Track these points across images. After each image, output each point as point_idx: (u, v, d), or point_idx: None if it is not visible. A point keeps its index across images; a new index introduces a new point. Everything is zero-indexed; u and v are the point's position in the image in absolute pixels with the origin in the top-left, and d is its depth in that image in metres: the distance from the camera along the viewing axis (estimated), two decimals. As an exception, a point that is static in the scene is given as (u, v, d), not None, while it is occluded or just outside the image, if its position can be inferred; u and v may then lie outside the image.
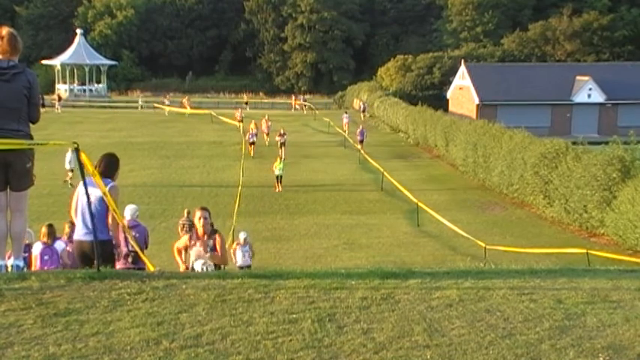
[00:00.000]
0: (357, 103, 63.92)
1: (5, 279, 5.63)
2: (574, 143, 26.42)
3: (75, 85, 73.73)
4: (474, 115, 49.67)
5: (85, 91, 73.69)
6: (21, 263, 6.19)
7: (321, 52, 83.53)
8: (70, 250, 9.32)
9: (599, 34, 72.01)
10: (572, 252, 17.89)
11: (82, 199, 6.73)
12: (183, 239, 8.51)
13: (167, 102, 64.30)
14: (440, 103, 54.74)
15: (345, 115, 49.62)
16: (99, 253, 6.16)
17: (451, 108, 56.17)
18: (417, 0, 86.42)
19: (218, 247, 8.27)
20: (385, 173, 30.02)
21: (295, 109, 67.32)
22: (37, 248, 10.06)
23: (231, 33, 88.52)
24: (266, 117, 44.10)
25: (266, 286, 5.69)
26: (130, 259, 8.53)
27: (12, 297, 5.26)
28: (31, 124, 5.98)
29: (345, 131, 45.49)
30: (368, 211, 26.01)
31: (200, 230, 8.28)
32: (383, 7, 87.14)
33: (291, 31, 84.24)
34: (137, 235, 8.94)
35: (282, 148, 36.13)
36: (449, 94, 58.44)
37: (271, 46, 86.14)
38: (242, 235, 15.70)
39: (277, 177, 29.06)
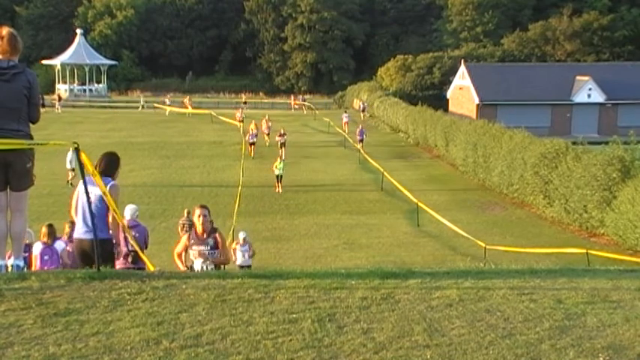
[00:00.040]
0: (357, 103, 63.94)
1: (5, 279, 5.63)
2: (574, 143, 26.43)
3: (75, 85, 73.73)
4: (474, 115, 49.67)
5: (85, 91, 73.68)
6: (21, 263, 6.19)
7: (321, 52, 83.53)
8: (70, 250, 9.32)
9: (599, 34, 72.01)
10: (572, 252, 17.90)
11: (82, 197, 6.73)
12: (182, 241, 8.41)
13: (168, 102, 64.33)
14: (440, 103, 54.74)
15: (344, 114, 49.65)
16: (99, 252, 6.16)
17: (451, 108, 56.17)
18: (417, 0, 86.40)
19: (219, 245, 8.23)
20: (385, 173, 30.03)
21: (294, 109, 67.28)
22: (37, 248, 10.07)
23: (231, 33, 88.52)
24: (266, 117, 44.08)
25: (266, 286, 5.69)
26: (129, 259, 8.53)
27: (12, 297, 5.26)
28: (31, 124, 5.98)
29: (344, 131, 45.51)
30: (368, 211, 26.01)
31: (199, 228, 8.19)
32: (383, 7, 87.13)
33: (291, 31, 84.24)
34: (137, 235, 8.94)
35: (283, 148, 36.12)
36: (449, 94, 58.44)
37: (271, 46, 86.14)
38: (241, 235, 15.73)
39: (277, 177, 29.06)
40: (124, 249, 8.16)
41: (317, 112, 60.39)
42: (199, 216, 8.15)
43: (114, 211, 6.82)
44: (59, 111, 57.86)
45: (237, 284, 5.74)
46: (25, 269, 6.53)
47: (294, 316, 5.04)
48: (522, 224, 24.73)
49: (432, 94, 62.10)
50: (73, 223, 7.82)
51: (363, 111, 58.85)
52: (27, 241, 8.93)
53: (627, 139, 24.30)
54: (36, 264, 9.89)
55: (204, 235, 8.17)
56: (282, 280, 5.91)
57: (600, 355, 4.52)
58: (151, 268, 7.42)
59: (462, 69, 55.22)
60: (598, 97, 51.55)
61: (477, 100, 51.35)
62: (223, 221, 21.30)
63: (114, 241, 7.12)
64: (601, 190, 21.63)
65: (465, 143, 33.83)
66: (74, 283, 5.66)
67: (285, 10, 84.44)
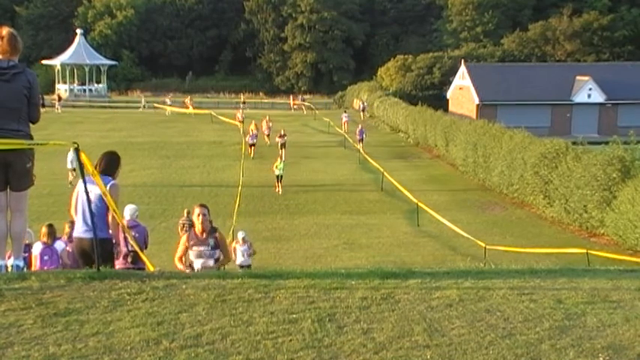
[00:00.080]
0: (356, 103, 63.95)
1: (5, 279, 5.63)
2: (574, 143, 26.43)
3: (75, 85, 73.71)
4: (474, 115, 49.67)
5: (85, 91, 73.67)
6: (21, 263, 6.19)
7: (321, 52, 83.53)
8: (70, 250, 9.32)
9: (599, 34, 72.01)
10: (572, 252, 17.90)
11: (82, 196, 6.73)
12: (182, 242, 8.26)
13: (169, 102, 64.37)
14: (440, 103, 54.74)
15: (344, 114, 49.71)
16: (99, 252, 6.16)
17: (451, 108, 56.17)
18: (417, 0, 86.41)
19: (219, 245, 8.17)
20: (385, 173, 30.03)
21: (294, 109, 67.24)
22: (37, 248, 10.06)
23: (231, 33, 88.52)
24: (267, 118, 44.06)
25: (266, 286, 5.69)
26: (129, 259, 8.51)
27: (12, 297, 5.26)
28: (31, 124, 5.98)
29: (344, 130, 45.52)
30: (368, 211, 26.01)
31: (199, 227, 8.10)
32: (383, 7, 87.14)
33: (291, 31, 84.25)
34: (137, 235, 8.92)
35: (283, 149, 36.02)
36: (449, 94, 58.44)
37: (271, 46, 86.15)
38: (240, 235, 15.75)
39: (277, 177, 29.04)
40: (123, 249, 8.15)
41: (317, 112, 60.40)
42: (199, 215, 8.06)
43: (114, 211, 6.82)
44: (59, 111, 57.86)
45: (237, 284, 5.74)
46: (25, 269, 6.53)
47: (294, 316, 5.04)
48: (522, 224, 24.73)
49: (432, 94, 62.10)
50: (72, 223, 7.81)
51: (363, 110, 58.90)
52: (27, 241, 8.94)
53: (627, 139, 24.30)
54: (36, 264, 9.89)
55: (204, 235, 8.09)
56: (282, 280, 5.91)
57: (600, 355, 4.52)
58: (151, 268, 7.42)
59: (462, 69, 55.23)
60: (598, 97, 51.55)
61: (477, 100, 51.35)
62: (223, 221, 21.31)
63: (113, 241, 7.12)
64: (601, 190, 21.63)
65: (465, 143, 33.83)
66: (74, 283, 5.65)
67: (285, 10, 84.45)
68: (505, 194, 28.89)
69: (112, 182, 6.99)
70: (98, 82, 75.03)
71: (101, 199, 6.75)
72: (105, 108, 65.41)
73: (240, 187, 27.01)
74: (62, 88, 71.33)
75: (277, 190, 28.76)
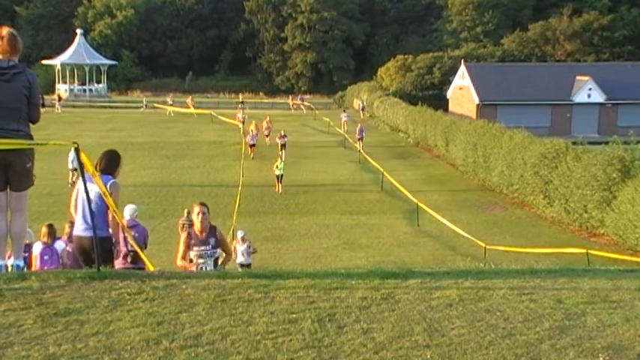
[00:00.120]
0: (356, 103, 63.98)
1: (5, 279, 5.63)
2: (574, 143, 26.43)
3: (75, 85, 73.72)
4: (474, 115, 49.67)
5: (85, 91, 73.68)
6: (21, 263, 6.19)
7: (321, 52, 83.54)
8: (70, 250, 9.32)
9: (599, 34, 72.02)
10: (572, 252, 17.90)
11: (82, 194, 6.73)
12: (182, 242, 8.11)
13: (170, 102, 64.41)
14: (440, 103, 54.75)
15: (343, 114, 49.74)
16: (99, 252, 6.16)
17: (451, 108, 56.18)
18: (417, 0, 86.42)
19: (220, 244, 8.10)
20: (385, 173, 30.03)
21: (293, 109, 67.17)
22: (37, 248, 10.07)
23: (231, 33, 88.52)
24: (267, 118, 44.03)
25: (266, 286, 5.69)
26: (129, 259, 8.50)
27: (12, 297, 5.26)
28: (31, 124, 5.98)
29: (344, 130, 45.53)
30: (368, 211, 26.01)
31: (198, 226, 8.02)
32: (383, 7, 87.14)
33: (291, 31, 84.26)
34: (136, 235, 8.91)
35: (283, 150, 35.91)
36: (449, 94, 58.45)
37: (271, 46, 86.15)
38: (239, 234, 15.77)
39: (278, 177, 29.03)
40: (123, 249, 8.13)
41: (317, 112, 60.39)
42: (198, 214, 7.99)
43: (114, 211, 6.82)
44: (59, 111, 57.86)
45: (237, 284, 5.74)
46: (25, 269, 6.53)
47: (294, 316, 5.04)
48: (522, 224, 24.73)
49: (432, 94, 62.11)
50: (73, 223, 7.81)
51: (363, 110, 58.96)
52: (27, 241, 8.93)
53: (627, 139, 24.30)
54: (36, 264, 9.89)
55: (204, 235, 8.04)
56: (282, 280, 5.91)
57: (600, 355, 4.52)
58: (151, 268, 7.41)
59: (462, 69, 55.23)
60: (598, 97, 51.56)
61: (477, 100, 51.35)
62: (223, 221, 21.31)
63: (113, 240, 7.12)
64: (601, 190, 21.63)
65: (465, 143, 33.83)
66: (74, 283, 5.65)
67: (285, 10, 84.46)
68: (505, 194, 28.89)
69: (113, 181, 7.00)
70: (98, 82, 75.04)
71: (101, 197, 6.75)
72: (105, 108, 65.41)
73: (240, 187, 27.02)
74: (62, 88, 71.34)
75: (277, 190, 28.76)
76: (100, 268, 6.07)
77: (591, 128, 49.85)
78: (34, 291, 5.41)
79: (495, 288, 5.90)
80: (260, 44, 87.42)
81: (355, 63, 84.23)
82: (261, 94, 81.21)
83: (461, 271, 6.60)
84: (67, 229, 10.16)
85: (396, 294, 5.63)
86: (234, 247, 15.26)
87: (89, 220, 6.71)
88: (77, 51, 71.82)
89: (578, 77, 52.45)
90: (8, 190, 5.92)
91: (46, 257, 9.97)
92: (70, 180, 27.39)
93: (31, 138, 5.94)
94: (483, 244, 19.55)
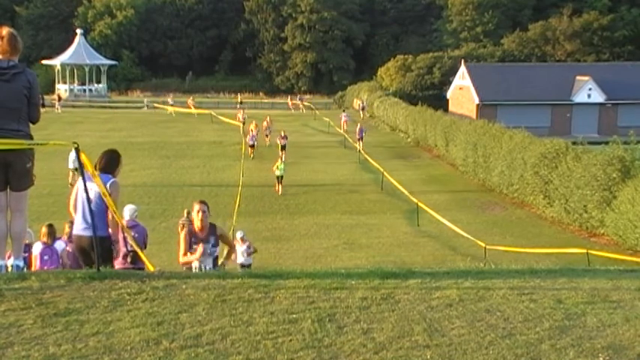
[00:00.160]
0: (356, 103, 63.99)
1: (5, 279, 5.63)
2: (574, 143, 26.43)
3: (75, 85, 73.70)
4: (474, 115, 49.67)
5: (85, 91, 73.67)
6: (21, 263, 6.19)
7: (321, 52, 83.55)
8: (70, 250, 9.31)
9: (599, 34, 72.02)
10: (572, 252, 17.90)
11: (81, 193, 6.74)
12: (183, 239, 8.03)
13: (171, 102, 64.46)
14: (440, 103, 54.74)
15: (343, 114, 49.74)
16: (99, 252, 6.16)
17: (451, 108, 56.17)
18: (417, 0, 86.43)
19: (222, 239, 8.03)
20: (385, 173, 30.03)
21: (292, 109, 67.09)
22: (37, 248, 10.06)
23: (231, 33, 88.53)
24: (268, 119, 44.00)
25: (266, 286, 5.69)
26: (129, 259, 8.50)
27: (12, 297, 5.26)
28: (31, 124, 5.98)
29: (344, 130, 45.53)
30: (368, 211, 26.01)
31: (198, 224, 7.90)
32: (383, 7, 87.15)
33: (291, 31, 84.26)
34: (136, 235, 8.90)
35: (283, 151, 35.81)
36: (449, 94, 58.45)
37: (271, 46, 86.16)
38: (239, 234, 15.76)
39: (278, 178, 29.01)
40: (122, 249, 8.12)
41: (317, 112, 60.40)
42: (198, 212, 7.89)
43: (113, 211, 6.82)
44: (59, 111, 57.85)
45: (237, 284, 5.74)
46: (25, 269, 6.53)
47: (294, 316, 5.04)
48: (522, 224, 24.73)
49: (432, 94, 62.10)
50: (72, 223, 7.81)
51: (363, 110, 58.97)
52: (27, 241, 8.93)
53: (627, 139, 24.31)
54: (36, 264, 9.89)
55: (204, 233, 7.96)
56: (282, 280, 5.91)
57: (600, 355, 4.52)
58: (151, 269, 7.41)
59: (462, 69, 55.23)
60: (598, 97, 51.56)
61: (476, 100, 51.35)
62: (223, 221, 21.29)
63: (112, 239, 7.12)
64: (601, 190, 21.63)
65: (465, 143, 33.83)
66: (74, 283, 5.65)
67: (285, 10, 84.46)
68: (505, 194, 28.89)
69: (113, 180, 7.00)
70: (98, 82, 75.03)
71: (101, 197, 6.76)
72: (105, 108, 65.41)
73: (240, 187, 27.02)
74: (62, 88, 71.33)
75: (278, 190, 28.73)
76: (100, 268, 6.07)
77: (591, 128, 49.85)
78: (34, 291, 5.41)
79: (495, 288, 5.90)
80: (260, 44, 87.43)
81: (355, 63, 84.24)
82: (261, 94, 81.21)
83: (461, 271, 6.60)
84: (67, 229, 10.16)
85: (396, 294, 5.63)
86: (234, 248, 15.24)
87: (89, 219, 6.71)
88: (77, 51, 71.82)
89: (578, 77, 52.45)
90: (8, 190, 5.92)
91: (46, 257, 9.96)
92: (70, 180, 27.40)
93: (31, 138, 5.94)
94: (483, 244, 19.55)
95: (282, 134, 36.92)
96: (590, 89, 51.57)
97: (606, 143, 24.73)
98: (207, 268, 7.70)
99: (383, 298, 5.50)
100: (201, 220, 7.88)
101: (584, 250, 16.96)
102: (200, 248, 7.72)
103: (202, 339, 4.58)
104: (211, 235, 7.98)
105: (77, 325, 4.75)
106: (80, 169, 6.29)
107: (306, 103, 67.01)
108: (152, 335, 4.61)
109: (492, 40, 75.46)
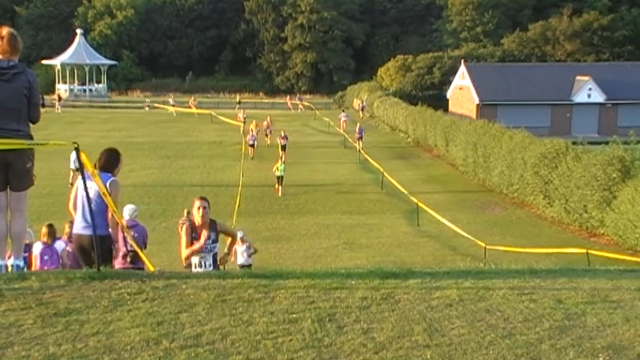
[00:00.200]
0: (356, 103, 64.00)
1: (5, 279, 5.63)
2: (574, 143, 26.43)
3: (75, 85, 73.69)
4: (474, 115, 49.67)
5: (85, 91, 73.66)
6: (21, 263, 6.19)
7: (321, 52, 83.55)
8: (70, 250, 9.32)
9: (599, 34, 72.03)
10: (572, 252, 17.89)
11: (81, 192, 6.74)
12: (184, 235, 7.86)
13: (172, 102, 64.46)
14: (440, 103, 54.74)
15: (342, 114, 49.73)
16: (99, 252, 6.16)
17: (451, 108, 56.18)
18: (417, 0, 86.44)
19: (222, 232, 7.97)
20: (385, 173, 30.03)
21: (292, 109, 67.06)
22: (37, 248, 10.07)
23: (231, 33, 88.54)
24: (268, 119, 43.99)
25: (266, 286, 5.69)
26: (129, 259, 8.49)
27: (12, 297, 5.26)
28: (31, 124, 5.99)
29: (343, 130, 45.53)
30: (368, 211, 26.01)
31: (198, 220, 7.76)
32: (383, 7, 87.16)
33: (291, 31, 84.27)
34: (136, 235, 8.91)
35: (283, 151, 35.76)
36: (449, 94, 58.45)
37: (271, 46, 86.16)
38: (239, 235, 15.70)
39: (278, 178, 28.97)
40: (122, 248, 8.12)
41: (317, 112, 60.40)
42: (199, 208, 7.76)
43: (113, 211, 6.82)
44: (59, 111, 57.84)
45: (237, 284, 5.74)
46: (25, 269, 6.53)
47: (294, 316, 5.04)
48: (522, 224, 24.73)
49: (432, 94, 62.10)
50: (72, 223, 7.81)
51: (363, 109, 58.97)
52: (27, 241, 8.93)
53: (627, 139, 24.31)
54: (36, 264, 9.89)
55: (204, 230, 7.84)
56: (282, 280, 5.91)
57: (600, 355, 4.52)
58: (151, 268, 7.41)
59: (462, 69, 55.22)
60: (598, 97, 51.56)
61: (476, 100, 51.35)
62: (223, 221, 21.20)
63: (112, 239, 7.12)
64: (601, 190, 21.63)
65: (465, 143, 33.83)
66: (74, 283, 5.65)
67: (285, 10, 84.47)
68: (505, 194, 28.89)
69: (112, 179, 7.00)
70: (98, 82, 75.02)
71: (101, 196, 6.76)
72: (105, 108, 65.41)
73: (240, 187, 27.02)
74: (62, 88, 71.32)
75: (278, 191, 28.71)
76: (100, 268, 6.07)
77: (591, 128, 49.85)
78: (34, 291, 5.41)
79: (495, 288, 5.90)
80: (260, 44, 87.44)
81: (355, 63, 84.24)
82: (261, 94, 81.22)
83: (461, 271, 6.60)
84: (67, 229, 10.16)
85: (396, 294, 5.63)
86: (234, 249, 15.23)
87: (89, 218, 6.71)
88: (77, 51, 71.81)
89: (578, 77, 52.46)
90: (8, 190, 5.92)
91: (46, 257, 9.97)
92: (70, 180, 27.40)
93: (31, 138, 5.95)
94: (483, 244, 19.55)
95: (283, 134, 36.89)
96: (590, 89, 51.57)
97: (606, 143, 24.73)
98: (208, 264, 7.65)
99: (383, 298, 5.50)
100: (202, 216, 7.75)
101: (584, 250, 16.96)
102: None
103: (202, 339, 4.58)
104: (211, 232, 7.84)
105: (77, 325, 4.75)
106: (80, 168, 6.29)
107: (306, 103, 67.01)
108: (152, 335, 4.61)
109: (492, 40, 75.47)
